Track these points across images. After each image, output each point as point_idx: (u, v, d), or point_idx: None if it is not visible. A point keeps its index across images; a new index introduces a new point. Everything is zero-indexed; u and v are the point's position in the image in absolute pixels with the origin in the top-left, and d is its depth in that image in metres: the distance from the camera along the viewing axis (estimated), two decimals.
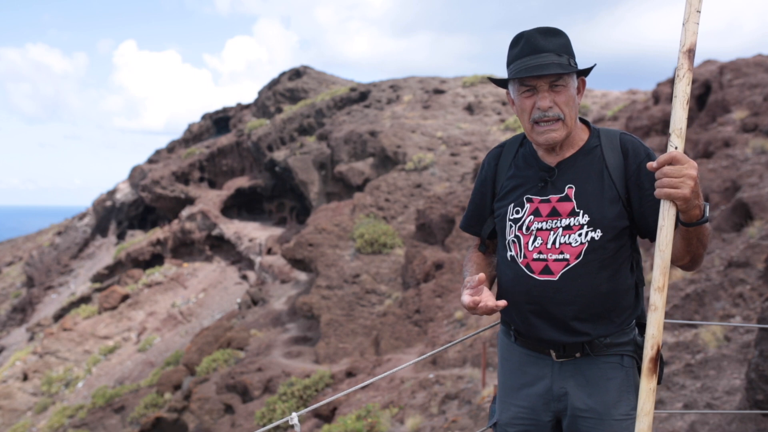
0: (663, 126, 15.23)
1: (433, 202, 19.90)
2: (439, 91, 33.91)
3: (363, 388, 12.62)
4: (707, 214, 1.72)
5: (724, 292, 7.21)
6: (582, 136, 2.03)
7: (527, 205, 2.03)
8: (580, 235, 1.93)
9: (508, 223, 2.06)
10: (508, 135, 26.40)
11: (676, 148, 1.68)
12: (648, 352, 1.69)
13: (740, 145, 11.68)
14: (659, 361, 1.82)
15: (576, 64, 1.93)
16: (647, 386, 1.68)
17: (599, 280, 1.93)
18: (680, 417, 5.39)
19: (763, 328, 4.42)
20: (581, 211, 1.94)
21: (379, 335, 16.66)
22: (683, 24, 1.66)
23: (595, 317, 1.94)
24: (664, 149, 14.81)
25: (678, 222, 1.75)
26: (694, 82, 15.35)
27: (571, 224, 1.95)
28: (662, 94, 16.75)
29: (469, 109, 31.13)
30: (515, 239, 2.04)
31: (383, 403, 11.28)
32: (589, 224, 1.93)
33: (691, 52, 1.67)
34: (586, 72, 1.97)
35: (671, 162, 1.65)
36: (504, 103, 30.81)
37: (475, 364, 10.98)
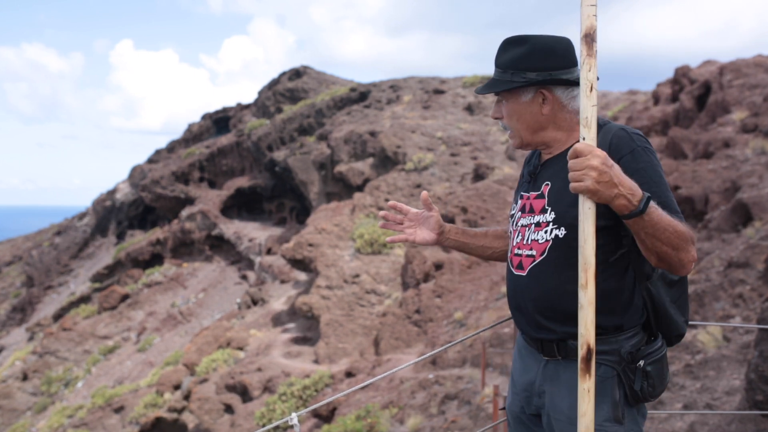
0: (663, 126, 15.24)
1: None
2: (439, 92, 33.92)
3: (363, 388, 12.63)
4: (641, 205, 1.64)
5: (724, 293, 7.21)
6: (579, 134, 2.00)
7: (519, 202, 2.11)
8: (546, 232, 1.96)
9: (509, 219, 2.16)
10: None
11: (584, 138, 1.64)
12: (579, 352, 1.64)
13: (740, 145, 11.68)
14: (641, 370, 1.86)
15: (525, 77, 1.94)
16: (582, 386, 1.63)
17: (564, 279, 1.91)
18: (680, 417, 5.39)
19: (762, 329, 4.42)
20: (549, 208, 1.97)
21: (379, 335, 16.66)
22: (580, 8, 1.61)
23: (561, 316, 1.92)
24: (663, 149, 14.70)
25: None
26: (693, 82, 15.34)
27: (540, 221, 1.98)
28: (662, 95, 16.76)
29: (469, 109, 31.15)
30: (510, 234, 2.14)
31: (383, 404, 11.28)
32: (554, 221, 1.95)
33: (588, 37, 1.61)
34: (551, 82, 1.95)
35: (576, 155, 1.63)
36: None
37: (475, 364, 10.98)
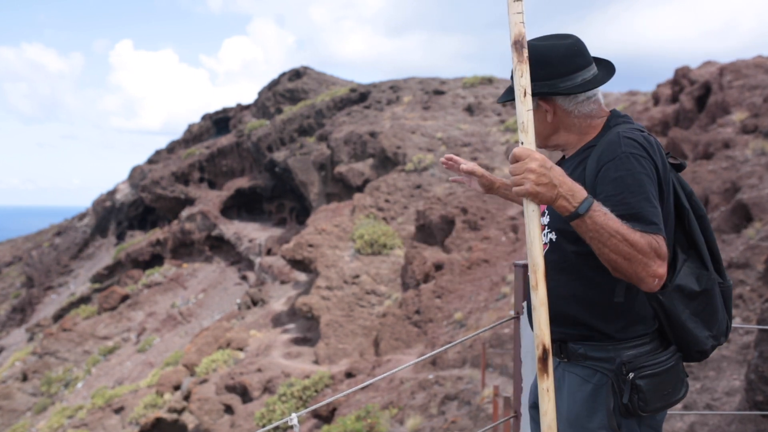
0: (663, 127, 15.25)
1: (433, 203, 19.90)
2: (439, 92, 33.92)
3: (362, 388, 12.64)
4: (580, 207, 1.63)
5: None
6: (590, 136, 2.01)
7: None
8: (544, 235, 1.99)
9: None
10: (508, 136, 26.42)
11: (521, 143, 1.65)
12: (536, 352, 1.65)
13: (740, 146, 11.69)
14: (629, 382, 1.82)
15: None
16: (541, 386, 1.63)
17: (558, 283, 1.92)
18: (680, 418, 5.40)
19: (762, 330, 4.43)
20: (546, 212, 2.01)
21: (379, 336, 16.66)
22: (507, 15, 1.63)
23: (557, 317, 1.91)
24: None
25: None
26: (694, 83, 15.35)
27: (543, 223, 2.01)
28: (662, 96, 16.77)
29: (469, 110, 31.15)
30: None
31: (383, 404, 11.29)
32: (548, 225, 1.98)
33: (518, 44, 1.63)
34: (547, 93, 1.94)
35: (516, 159, 1.64)
36: (504, 104, 30.88)
37: (475, 364, 10.98)
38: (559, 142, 2.03)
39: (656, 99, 17.19)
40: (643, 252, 1.65)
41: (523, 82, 1.63)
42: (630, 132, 1.85)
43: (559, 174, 1.63)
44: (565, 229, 1.89)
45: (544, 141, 2.04)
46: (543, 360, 1.63)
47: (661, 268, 1.69)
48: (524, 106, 1.63)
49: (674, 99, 16.08)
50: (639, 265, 1.66)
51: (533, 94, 1.92)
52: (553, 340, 1.97)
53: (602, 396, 1.89)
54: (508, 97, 2.00)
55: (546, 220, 1.99)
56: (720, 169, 11.13)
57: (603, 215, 1.64)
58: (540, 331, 1.63)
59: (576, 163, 1.97)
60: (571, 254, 1.91)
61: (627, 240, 1.64)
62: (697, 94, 14.83)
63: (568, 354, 1.96)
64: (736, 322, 6.62)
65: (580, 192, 1.64)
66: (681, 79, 16.04)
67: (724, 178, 10.74)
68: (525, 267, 2.70)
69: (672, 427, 5.27)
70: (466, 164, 2.28)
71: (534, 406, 2.20)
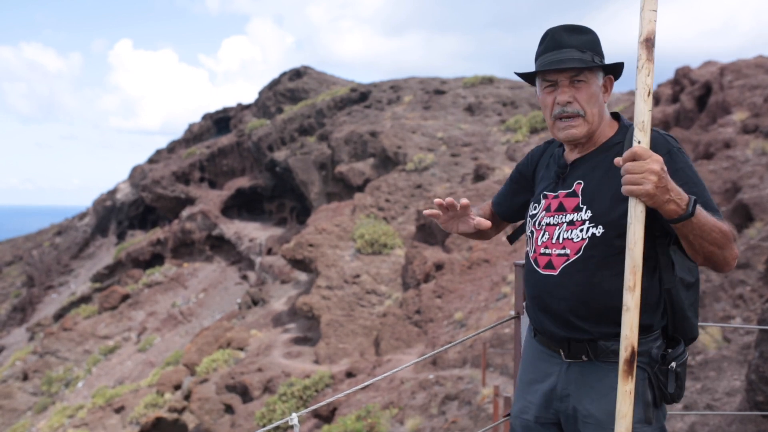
0: (663, 127, 15.24)
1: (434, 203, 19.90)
2: (439, 92, 33.91)
3: (363, 388, 12.63)
4: (690, 209, 1.65)
5: (724, 294, 7.21)
6: (608, 132, 2.01)
7: (542, 202, 2.09)
8: (581, 230, 1.93)
9: (528, 220, 2.14)
10: (509, 136, 26.41)
11: (639, 142, 1.64)
12: (622, 354, 1.65)
13: (741, 146, 11.68)
14: (674, 372, 1.87)
15: (602, 62, 1.94)
16: (623, 388, 1.63)
17: (600, 278, 1.89)
18: (680, 418, 5.40)
19: (763, 330, 4.43)
20: (585, 207, 1.95)
21: (379, 336, 16.66)
22: (640, 12, 1.60)
23: (596, 315, 1.91)
24: None
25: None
26: (694, 83, 15.35)
27: (574, 219, 1.96)
28: (663, 95, 16.76)
29: (470, 109, 31.13)
30: (530, 234, 2.10)
31: (383, 404, 11.29)
32: (591, 220, 1.92)
33: (648, 41, 1.60)
34: (614, 70, 1.98)
35: (634, 158, 1.62)
36: (504, 104, 30.83)
37: (475, 364, 10.98)
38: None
39: (657, 99, 17.18)
40: (729, 238, 1.74)
41: (649, 81, 1.62)
42: (662, 131, 1.92)
43: (669, 178, 1.65)
44: (622, 224, 1.84)
45: (600, 121, 1.98)
46: (630, 362, 1.64)
47: (737, 249, 1.80)
48: (647, 106, 1.62)
49: (675, 99, 16.07)
50: (728, 250, 1.76)
51: (608, 66, 1.95)
52: (582, 340, 1.95)
53: (640, 390, 1.89)
54: (586, 63, 1.91)
55: (587, 214, 1.94)
56: (721, 169, 11.12)
57: (702, 212, 1.70)
58: (630, 332, 1.65)
59: (603, 158, 1.97)
60: (617, 248, 1.87)
61: (722, 231, 1.72)
62: (697, 94, 14.83)
63: (598, 352, 1.93)
64: (736, 322, 6.62)
65: (684, 194, 1.68)
66: (682, 78, 16.04)
67: (724, 178, 10.74)
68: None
69: (672, 427, 5.27)
70: (476, 219, 2.19)
71: (523, 412, 2.11)
